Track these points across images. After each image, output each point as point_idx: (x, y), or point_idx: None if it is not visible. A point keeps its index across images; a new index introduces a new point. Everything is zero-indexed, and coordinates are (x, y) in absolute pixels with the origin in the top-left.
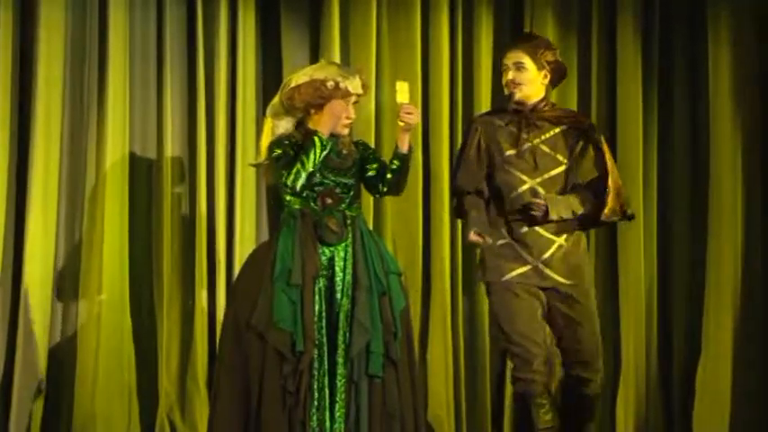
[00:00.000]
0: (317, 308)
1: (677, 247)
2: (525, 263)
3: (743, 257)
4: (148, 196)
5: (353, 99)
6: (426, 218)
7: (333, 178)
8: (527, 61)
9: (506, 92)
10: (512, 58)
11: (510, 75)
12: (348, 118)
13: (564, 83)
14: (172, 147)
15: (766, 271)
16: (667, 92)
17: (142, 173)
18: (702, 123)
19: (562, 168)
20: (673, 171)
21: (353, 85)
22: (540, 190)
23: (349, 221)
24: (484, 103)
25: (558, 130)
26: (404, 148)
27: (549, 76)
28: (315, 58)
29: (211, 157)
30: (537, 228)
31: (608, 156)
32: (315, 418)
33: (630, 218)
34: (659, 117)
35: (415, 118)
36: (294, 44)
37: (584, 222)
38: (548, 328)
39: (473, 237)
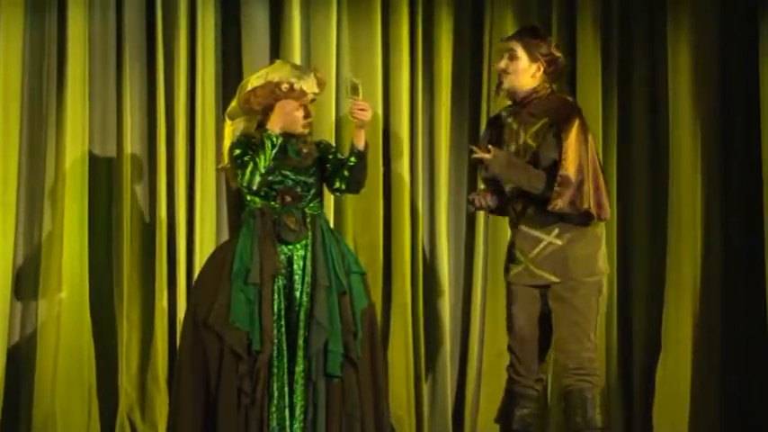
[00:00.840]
0: (275, 306)
1: (637, 246)
2: (519, 262)
3: (702, 257)
4: (108, 196)
5: (310, 98)
6: (387, 217)
7: (293, 177)
8: (519, 51)
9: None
10: (505, 46)
11: (501, 63)
12: (306, 117)
13: None
14: (131, 146)
15: (725, 270)
16: (627, 95)
17: (102, 172)
18: (662, 124)
19: (546, 163)
20: (632, 171)
21: (308, 85)
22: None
23: (309, 220)
24: (444, 103)
25: (542, 122)
26: (360, 145)
27: (542, 69)
28: (275, 58)
29: (171, 156)
30: (523, 227)
31: (571, 147)
32: (275, 417)
33: (585, 214)
34: (619, 119)
35: (368, 114)
36: (254, 45)
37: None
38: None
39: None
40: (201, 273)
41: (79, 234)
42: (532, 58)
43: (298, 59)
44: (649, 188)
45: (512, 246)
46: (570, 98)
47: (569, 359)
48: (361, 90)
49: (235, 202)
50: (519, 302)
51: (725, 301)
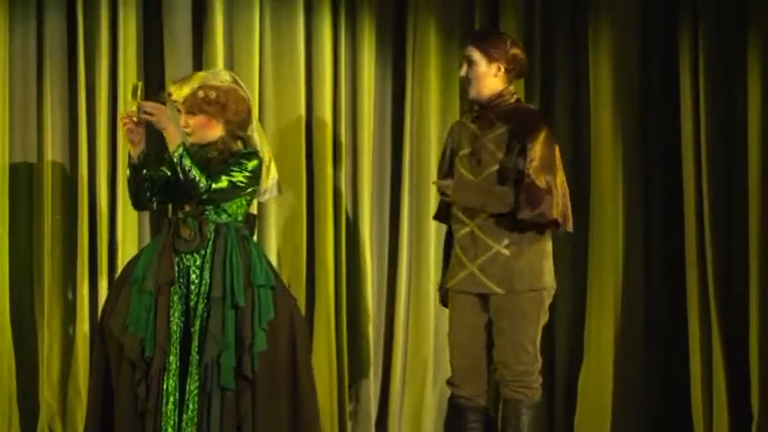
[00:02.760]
0: (172, 315)
1: (559, 254)
2: (464, 267)
3: (623, 266)
4: (29, 203)
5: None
6: (310, 227)
7: None
8: (476, 56)
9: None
10: (464, 53)
11: (462, 71)
12: (184, 127)
13: (449, 92)
14: (52, 152)
15: (647, 280)
16: (548, 104)
17: (23, 178)
18: (584, 126)
19: (497, 167)
20: None
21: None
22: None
23: (212, 228)
24: (367, 109)
25: (504, 127)
26: (171, 150)
27: (503, 68)
28: (198, 65)
29: (93, 164)
30: (476, 231)
31: (538, 156)
32: (169, 426)
33: (548, 225)
34: None
35: (159, 116)
36: (177, 53)
37: (524, 224)
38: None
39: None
40: (116, 279)
41: None
42: (490, 60)
43: (220, 63)
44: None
45: (459, 249)
46: (536, 108)
47: (506, 370)
48: (141, 92)
49: (157, 210)
50: (459, 310)
51: (646, 310)
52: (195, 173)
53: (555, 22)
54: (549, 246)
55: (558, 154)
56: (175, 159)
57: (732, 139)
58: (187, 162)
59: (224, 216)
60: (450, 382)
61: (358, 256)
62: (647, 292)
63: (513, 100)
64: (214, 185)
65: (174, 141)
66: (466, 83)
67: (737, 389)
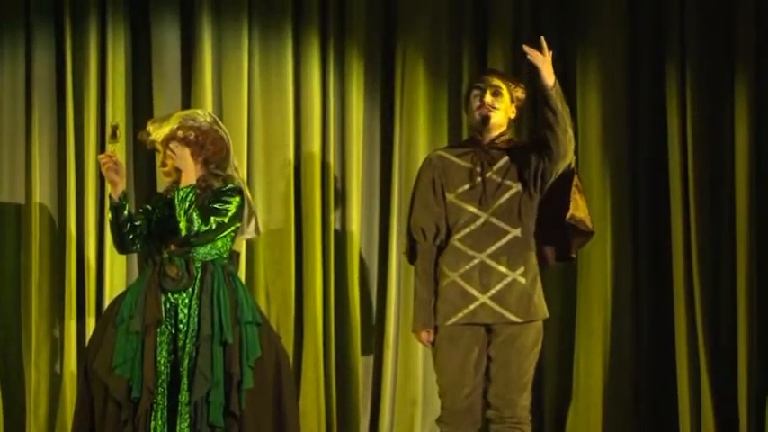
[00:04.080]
0: (159, 355)
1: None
2: (472, 300)
3: (612, 305)
4: (17, 242)
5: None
6: (299, 265)
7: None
8: (504, 90)
9: (477, 116)
10: (489, 82)
11: (487, 98)
12: (162, 167)
13: (437, 132)
14: (41, 191)
15: (635, 317)
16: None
17: (11, 220)
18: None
19: (512, 191)
20: None
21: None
22: (495, 221)
23: (198, 267)
24: (355, 149)
25: (506, 157)
26: (113, 195)
27: (515, 113)
28: (186, 104)
29: (81, 201)
30: (487, 261)
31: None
32: None
33: (591, 233)
34: None
35: (109, 166)
36: (165, 92)
37: (549, 241)
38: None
39: (424, 339)
40: (100, 319)
41: None
42: (512, 100)
43: (209, 106)
44: None
45: (463, 283)
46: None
47: (506, 407)
48: (120, 133)
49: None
50: (458, 348)
51: (634, 348)
52: (194, 215)
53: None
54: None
55: None
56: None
57: (720, 177)
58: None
59: (210, 253)
60: (441, 421)
61: (346, 296)
62: (635, 325)
63: (508, 138)
64: (204, 227)
65: (117, 190)
66: (487, 108)
67: (726, 422)
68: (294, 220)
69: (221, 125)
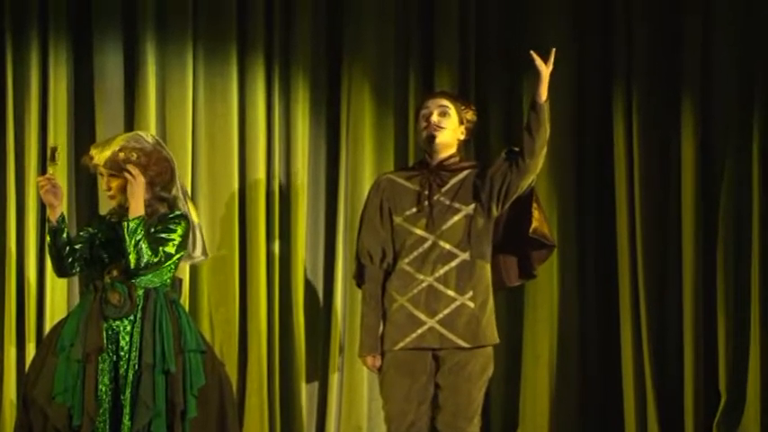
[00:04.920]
0: (101, 383)
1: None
2: (419, 324)
3: (558, 329)
4: None
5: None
6: (243, 291)
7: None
8: (452, 110)
9: (424, 135)
10: (436, 102)
11: (434, 117)
12: (107, 190)
13: (384, 154)
14: None
15: (581, 341)
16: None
17: None
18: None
19: (461, 214)
20: None
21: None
22: (442, 243)
23: (141, 293)
24: (301, 170)
25: (457, 178)
26: (52, 218)
27: (464, 134)
28: (130, 127)
29: (21, 224)
30: (435, 284)
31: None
32: None
33: (554, 245)
34: None
35: (48, 189)
36: (108, 114)
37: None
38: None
39: (370, 364)
40: (40, 346)
41: None
42: (460, 121)
43: (152, 128)
44: None
45: (411, 307)
46: None
47: None
48: (59, 155)
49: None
50: (404, 373)
51: (580, 377)
52: (144, 247)
53: (489, 83)
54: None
55: None
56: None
57: (666, 197)
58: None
59: (153, 281)
60: None
61: (291, 322)
62: (582, 350)
63: (459, 160)
64: (154, 259)
65: (54, 213)
66: (433, 128)
67: None
68: (238, 245)
69: (165, 146)
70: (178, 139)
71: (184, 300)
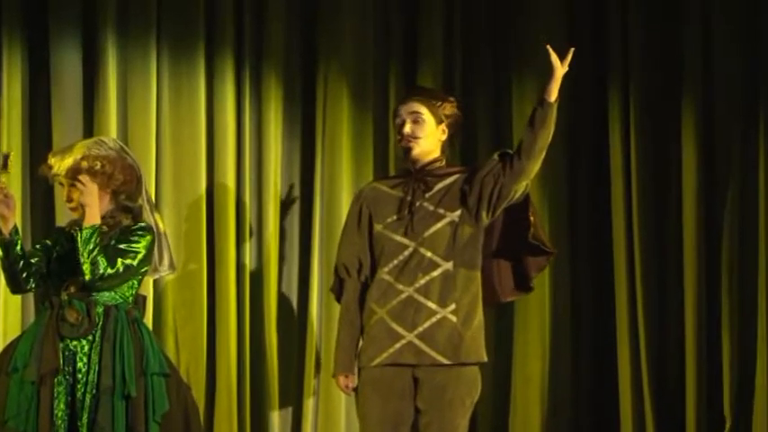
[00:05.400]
0: (56, 407)
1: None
2: (397, 339)
3: (550, 349)
4: None
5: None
6: (211, 308)
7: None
8: (425, 113)
9: (401, 147)
10: (408, 108)
11: (407, 128)
12: (68, 201)
13: (362, 158)
14: None
15: (575, 362)
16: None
17: None
18: None
19: (445, 221)
20: None
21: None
22: (423, 251)
23: (101, 311)
24: (273, 177)
25: (444, 183)
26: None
27: (447, 132)
28: (89, 132)
29: None
30: (416, 295)
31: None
32: None
33: (552, 252)
34: None
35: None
36: (65, 117)
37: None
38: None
39: (342, 384)
40: None
41: None
42: (438, 120)
43: (113, 130)
44: None
45: (389, 320)
46: None
47: None
48: (12, 162)
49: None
50: (384, 393)
51: (574, 390)
52: (99, 257)
53: (476, 82)
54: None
55: None
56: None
57: (666, 212)
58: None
59: (114, 297)
60: None
61: (263, 341)
62: (575, 371)
63: (444, 164)
64: (110, 270)
65: (7, 226)
66: (410, 140)
67: None
68: (206, 258)
69: (130, 152)
70: (141, 145)
71: (148, 318)
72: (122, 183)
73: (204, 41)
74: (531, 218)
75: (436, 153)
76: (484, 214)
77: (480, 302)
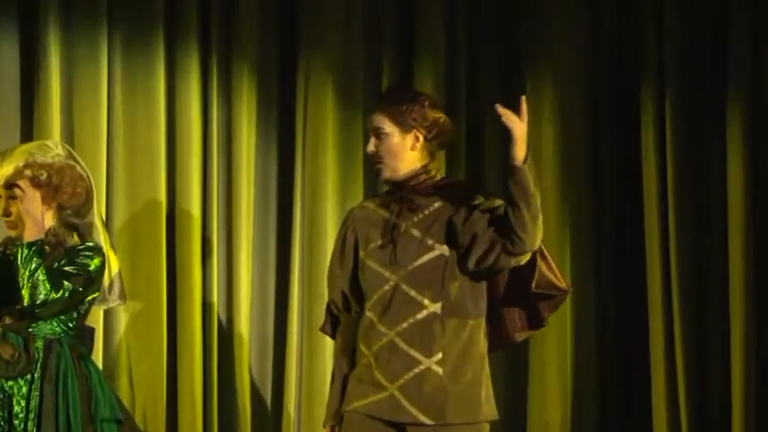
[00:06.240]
0: None
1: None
2: (380, 389)
3: (572, 391)
4: None
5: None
6: (172, 341)
7: (15, 290)
8: (387, 125)
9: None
10: (369, 123)
11: (369, 148)
12: (5, 216)
13: (350, 168)
14: None
15: (601, 409)
16: (477, 178)
17: None
18: None
19: (433, 254)
20: None
21: None
22: (406, 288)
23: (39, 346)
24: (245, 189)
25: (434, 206)
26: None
27: (421, 138)
28: (29, 135)
29: None
30: (397, 340)
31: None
32: None
33: (566, 291)
34: None
35: None
36: (1, 118)
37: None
38: None
39: None
40: None
41: None
42: (405, 129)
43: (57, 132)
44: None
45: (374, 363)
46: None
47: None
48: None
49: None
50: None
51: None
52: (41, 280)
53: (483, 80)
54: (487, 363)
55: None
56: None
57: (708, 229)
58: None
59: (56, 330)
60: None
61: (234, 381)
62: (602, 413)
63: (438, 176)
64: (54, 295)
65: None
66: (375, 160)
67: None
68: (166, 283)
69: (80, 160)
70: (89, 151)
71: (96, 354)
72: (70, 196)
73: (164, 31)
74: (541, 264)
75: (416, 165)
76: (472, 269)
77: (479, 352)
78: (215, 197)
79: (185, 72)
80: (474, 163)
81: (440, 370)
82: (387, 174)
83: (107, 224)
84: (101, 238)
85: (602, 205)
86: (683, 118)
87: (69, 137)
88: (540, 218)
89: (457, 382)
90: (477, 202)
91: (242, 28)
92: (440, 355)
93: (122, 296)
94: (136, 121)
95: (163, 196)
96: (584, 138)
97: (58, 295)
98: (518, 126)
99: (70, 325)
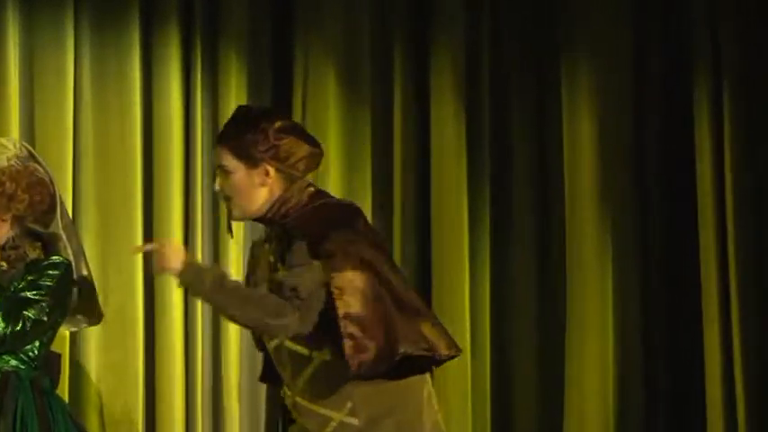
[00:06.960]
0: None
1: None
2: None
3: (616, 408)
4: None
5: None
6: (150, 372)
7: None
8: (229, 161)
9: None
10: (213, 158)
11: (216, 186)
12: None
13: (359, 155)
14: None
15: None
16: (501, 175)
17: None
18: (555, 203)
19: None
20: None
21: None
22: (288, 343)
23: None
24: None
25: (287, 238)
26: None
27: (272, 169)
28: None
29: None
30: (299, 400)
31: (342, 273)
32: None
33: (400, 364)
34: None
35: None
36: None
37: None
38: None
39: None
40: None
41: None
42: (251, 162)
43: (15, 128)
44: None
45: (289, 424)
46: (347, 202)
47: None
48: None
49: None
50: None
51: None
52: None
53: (509, 73)
54: (425, 393)
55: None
56: None
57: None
58: None
59: (13, 361)
60: None
61: (220, 415)
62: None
63: (305, 198)
64: (11, 329)
65: None
66: (223, 200)
67: None
68: (144, 304)
69: (41, 160)
70: (53, 148)
71: (62, 386)
72: (30, 204)
73: (139, 9)
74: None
75: (271, 198)
76: None
77: (399, 390)
78: (199, 200)
79: (164, 57)
80: (499, 160)
81: (355, 421)
82: (236, 214)
83: (75, 202)
84: (69, 251)
85: (648, 210)
86: (743, 112)
87: (29, 132)
88: (269, 319)
89: (379, 428)
90: (285, 255)
91: (230, 7)
92: (349, 404)
93: (96, 316)
94: (107, 111)
95: (138, 198)
96: (626, 134)
97: (18, 328)
98: (159, 267)
99: (31, 355)
